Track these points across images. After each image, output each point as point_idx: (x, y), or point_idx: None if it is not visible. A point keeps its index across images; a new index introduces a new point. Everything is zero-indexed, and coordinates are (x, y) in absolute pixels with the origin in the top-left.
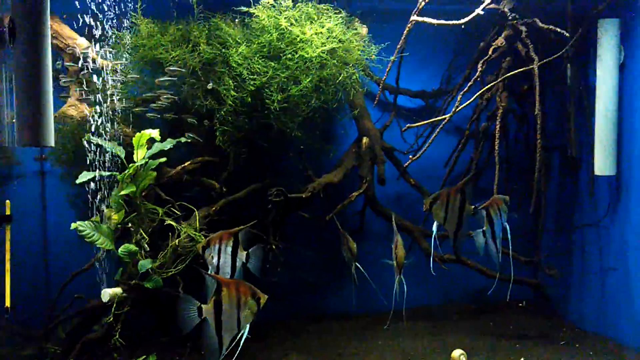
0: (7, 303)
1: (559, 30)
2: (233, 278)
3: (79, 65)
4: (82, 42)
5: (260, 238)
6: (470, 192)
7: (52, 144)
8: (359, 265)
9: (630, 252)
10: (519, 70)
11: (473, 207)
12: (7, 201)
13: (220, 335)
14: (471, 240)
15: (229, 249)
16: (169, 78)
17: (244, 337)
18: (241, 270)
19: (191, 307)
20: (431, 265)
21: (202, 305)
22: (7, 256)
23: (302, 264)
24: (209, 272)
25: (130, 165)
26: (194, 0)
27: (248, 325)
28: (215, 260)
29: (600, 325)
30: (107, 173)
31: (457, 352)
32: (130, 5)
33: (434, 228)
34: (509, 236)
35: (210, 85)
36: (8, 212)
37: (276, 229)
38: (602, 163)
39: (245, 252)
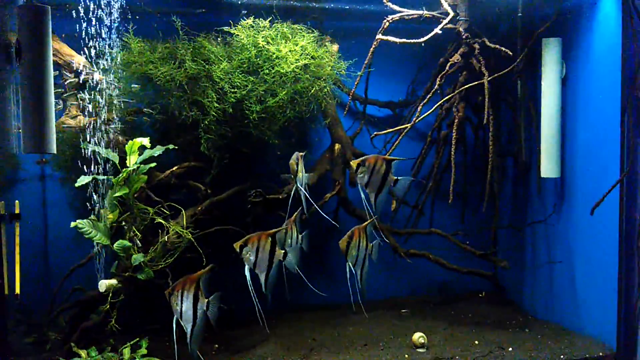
0: (17, 290)
1: (503, 49)
2: (269, 275)
3: (78, 79)
4: (80, 59)
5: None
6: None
7: (54, 151)
8: (290, 256)
9: (574, 247)
10: (472, 84)
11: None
12: (17, 201)
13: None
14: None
15: (267, 248)
16: None
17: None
18: (277, 267)
19: None
20: (370, 231)
21: None
22: (17, 249)
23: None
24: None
25: (124, 169)
26: (177, 24)
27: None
28: (252, 258)
29: (549, 312)
30: (103, 177)
31: (417, 335)
32: (123, 26)
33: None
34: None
35: None
36: (17, 211)
37: (256, 227)
38: (548, 166)
39: (283, 252)
